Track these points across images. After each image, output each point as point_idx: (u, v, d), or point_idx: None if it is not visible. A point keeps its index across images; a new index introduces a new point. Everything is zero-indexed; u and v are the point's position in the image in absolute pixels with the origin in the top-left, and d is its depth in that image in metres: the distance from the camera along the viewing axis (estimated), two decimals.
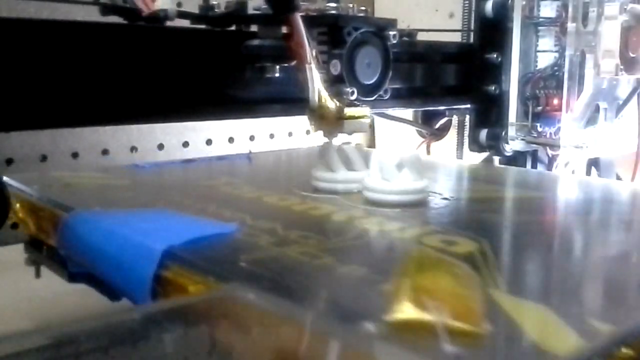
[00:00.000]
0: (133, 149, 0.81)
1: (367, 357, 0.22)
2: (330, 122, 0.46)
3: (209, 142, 0.87)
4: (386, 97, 0.52)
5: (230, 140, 0.89)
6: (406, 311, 0.25)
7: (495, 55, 0.64)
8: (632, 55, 0.59)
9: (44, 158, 0.75)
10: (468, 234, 0.37)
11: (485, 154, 0.69)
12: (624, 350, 0.23)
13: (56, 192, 0.48)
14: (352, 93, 0.48)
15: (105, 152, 0.79)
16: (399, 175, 0.44)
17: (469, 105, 0.68)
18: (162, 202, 0.46)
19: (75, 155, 0.77)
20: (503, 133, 0.65)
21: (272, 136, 0.94)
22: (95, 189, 0.52)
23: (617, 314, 0.26)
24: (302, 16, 0.45)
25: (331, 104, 0.46)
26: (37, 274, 0.47)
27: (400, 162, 0.45)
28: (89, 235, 0.37)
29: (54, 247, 0.41)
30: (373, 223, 0.40)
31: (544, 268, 0.33)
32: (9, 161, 0.72)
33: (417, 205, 0.44)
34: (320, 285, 0.30)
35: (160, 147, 0.83)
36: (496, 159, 0.69)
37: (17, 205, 0.46)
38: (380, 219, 0.41)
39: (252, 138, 0.91)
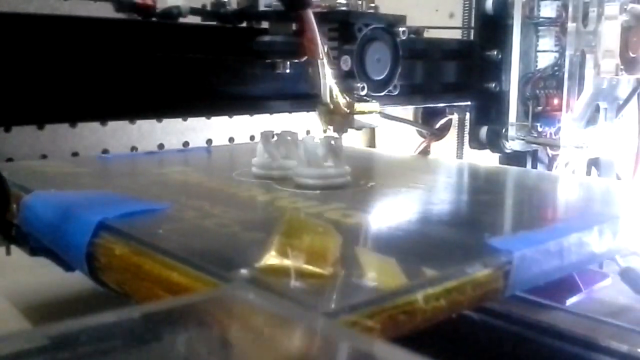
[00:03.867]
0: (133, 148, 0.81)
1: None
2: (340, 117, 0.48)
3: (209, 142, 0.87)
4: (395, 93, 0.52)
5: (231, 140, 0.89)
6: (271, 259, 0.30)
7: (495, 53, 0.65)
8: (632, 55, 0.59)
9: (44, 157, 0.75)
10: (365, 210, 0.44)
11: (420, 147, 0.73)
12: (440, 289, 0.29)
13: (23, 177, 0.52)
14: (363, 88, 0.49)
15: (105, 152, 0.79)
16: (322, 161, 0.49)
17: (469, 103, 0.68)
18: (112, 187, 0.51)
19: (75, 155, 0.77)
20: (503, 130, 0.65)
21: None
22: (58, 176, 0.56)
23: (448, 266, 0.31)
24: (313, 12, 0.46)
25: (342, 99, 0.47)
26: (8, 252, 0.51)
27: (323, 150, 0.49)
28: (44, 212, 0.42)
29: (19, 226, 0.44)
30: (290, 202, 0.45)
31: (410, 233, 0.39)
32: (9, 161, 0.72)
33: (338, 189, 0.49)
34: (219, 245, 0.36)
35: (161, 147, 0.83)
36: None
37: None
38: (299, 199, 0.45)
39: (252, 138, 0.91)
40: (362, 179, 0.53)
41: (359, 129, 0.50)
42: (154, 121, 0.82)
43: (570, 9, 0.60)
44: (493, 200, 0.49)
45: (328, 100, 0.47)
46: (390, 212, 0.46)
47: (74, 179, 0.55)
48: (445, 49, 0.65)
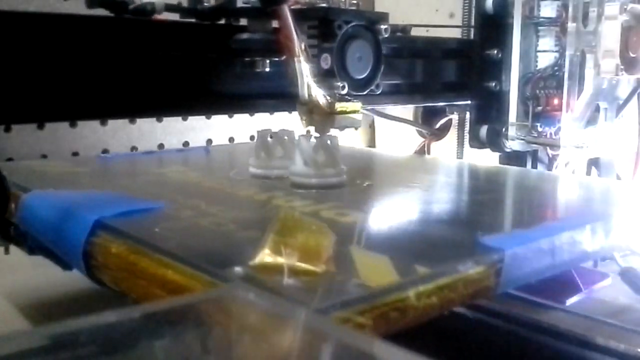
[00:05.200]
0: (133, 148, 0.81)
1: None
2: (321, 117, 0.47)
3: (209, 142, 0.87)
4: (378, 92, 0.51)
5: (231, 140, 0.89)
6: (265, 257, 0.30)
7: (495, 52, 0.64)
8: (632, 55, 0.59)
9: (44, 157, 0.75)
10: (361, 209, 0.44)
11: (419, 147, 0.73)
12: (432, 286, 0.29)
13: (22, 177, 0.52)
14: (343, 87, 0.48)
15: (105, 152, 0.79)
16: (317, 160, 0.48)
17: (469, 102, 0.68)
18: (110, 186, 0.51)
19: (75, 154, 0.77)
20: (503, 130, 0.65)
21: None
22: (57, 176, 0.57)
23: (440, 263, 0.31)
24: (292, 9, 0.45)
25: (321, 98, 0.46)
26: (6, 251, 0.51)
27: (318, 149, 0.48)
28: (42, 212, 0.42)
29: (18, 225, 0.44)
30: (286, 201, 0.45)
31: (404, 232, 0.40)
32: (9, 161, 0.72)
33: (335, 188, 0.49)
34: (214, 244, 0.36)
35: (161, 147, 0.83)
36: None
37: None
38: (295, 198, 0.46)
39: (252, 138, 0.91)
40: (358, 179, 0.53)
41: (341, 129, 0.49)
42: (154, 121, 0.82)
43: (570, 9, 0.60)
44: (489, 200, 0.49)
45: (307, 98, 0.46)
46: (385, 211, 0.46)
47: (73, 179, 0.55)
48: (445, 48, 0.65)
